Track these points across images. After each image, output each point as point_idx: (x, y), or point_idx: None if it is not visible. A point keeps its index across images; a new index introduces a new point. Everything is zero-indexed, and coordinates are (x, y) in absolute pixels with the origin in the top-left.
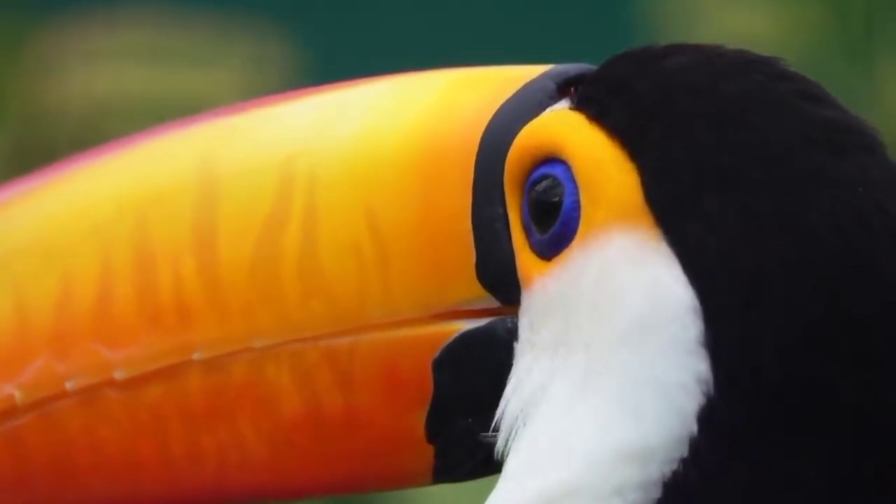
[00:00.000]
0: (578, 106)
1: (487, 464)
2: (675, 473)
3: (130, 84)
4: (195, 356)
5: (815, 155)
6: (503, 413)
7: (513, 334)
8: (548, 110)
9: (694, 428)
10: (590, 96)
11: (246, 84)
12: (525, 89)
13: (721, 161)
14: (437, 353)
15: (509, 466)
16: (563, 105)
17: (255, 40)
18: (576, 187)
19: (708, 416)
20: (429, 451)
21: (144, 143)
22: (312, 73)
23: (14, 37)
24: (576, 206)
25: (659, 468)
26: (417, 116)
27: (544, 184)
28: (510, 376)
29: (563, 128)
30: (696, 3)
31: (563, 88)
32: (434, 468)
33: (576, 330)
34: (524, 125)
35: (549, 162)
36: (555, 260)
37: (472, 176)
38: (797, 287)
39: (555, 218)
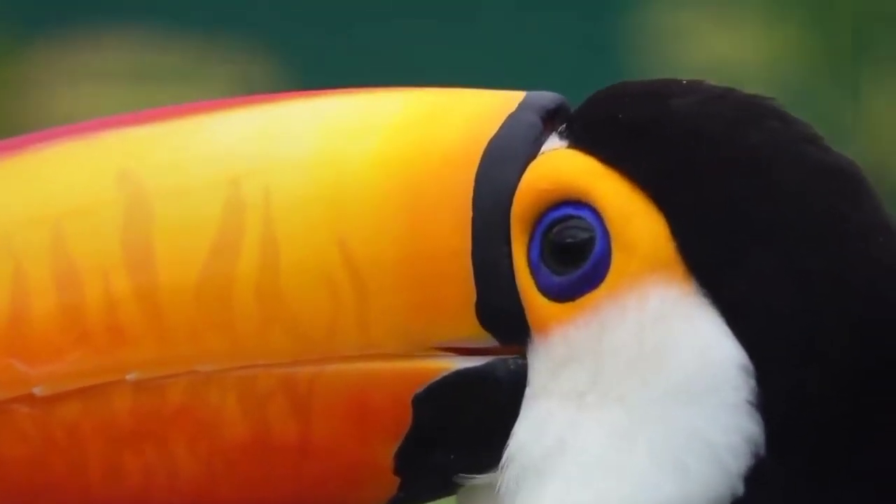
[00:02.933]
0: (582, 146)
1: (449, 491)
2: None
3: (115, 104)
4: (129, 377)
5: (840, 206)
6: (513, 455)
7: (516, 376)
8: (545, 148)
9: (740, 489)
10: (596, 138)
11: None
12: (511, 123)
13: (758, 215)
14: (420, 389)
15: None
16: (557, 142)
17: (238, 60)
18: (607, 233)
19: (756, 476)
20: (392, 481)
21: (51, 146)
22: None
23: None
24: (607, 252)
25: None
26: (385, 142)
27: (567, 224)
28: (521, 420)
29: (585, 174)
30: (681, 25)
31: (546, 120)
32: (394, 497)
33: (609, 382)
34: (522, 164)
35: (572, 204)
36: (572, 305)
37: (468, 214)
38: (848, 343)
39: (579, 260)
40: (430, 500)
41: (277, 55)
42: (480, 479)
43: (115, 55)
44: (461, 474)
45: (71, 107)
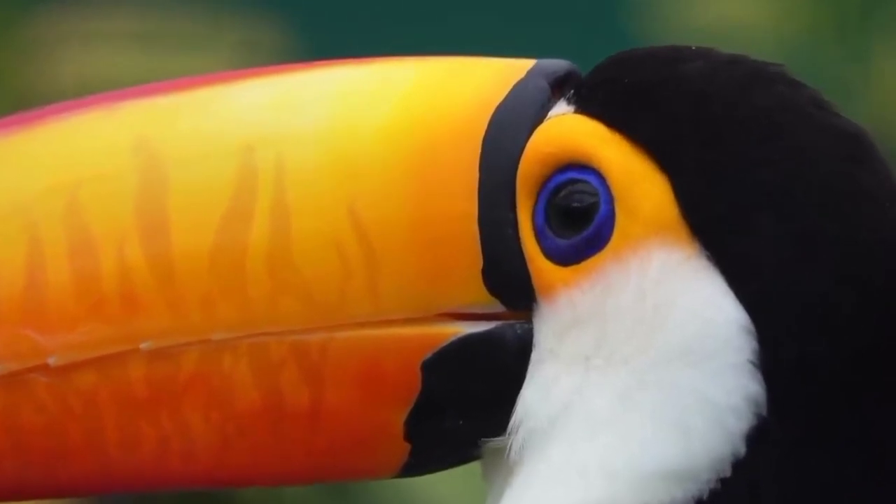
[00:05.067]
0: (589, 111)
1: (460, 459)
2: (714, 493)
3: (124, 68)
4: (143, 346)
5: (849, 169)
6: (521, 419)
7: (523, 340)
8: (552, 113)
9: (741, 449)
10: (602, 102)
11: (239, 68)
12: (520, 89)
13: (764, 178)
14: (428, 354)
15: (531, 474)
16: (565, 107)
17: (247, 25)
18: (611, 196)
19: (757, 436)
20: (403, 447)
21: (69, 117)
22: (304, 59)
23: (8, 20)
24: (611, 215)
25: (699, 488)
26: (395, 109)
27: (572, 188)
28: (528, 383)
29: (590, 137)
30: None
31: (555, 87)
32: (405, 464)
33: (614, 344)
34: (529, 128)
35: (577, 168)
36: (577, 268)
37: (475, 178)
38: (854, 305)
39: (583, 224)
40: (441, 468)
41: (286, 21)
42: (490, 443)
43: (125, 18)
44: (471, 440)
45: (79, 71)
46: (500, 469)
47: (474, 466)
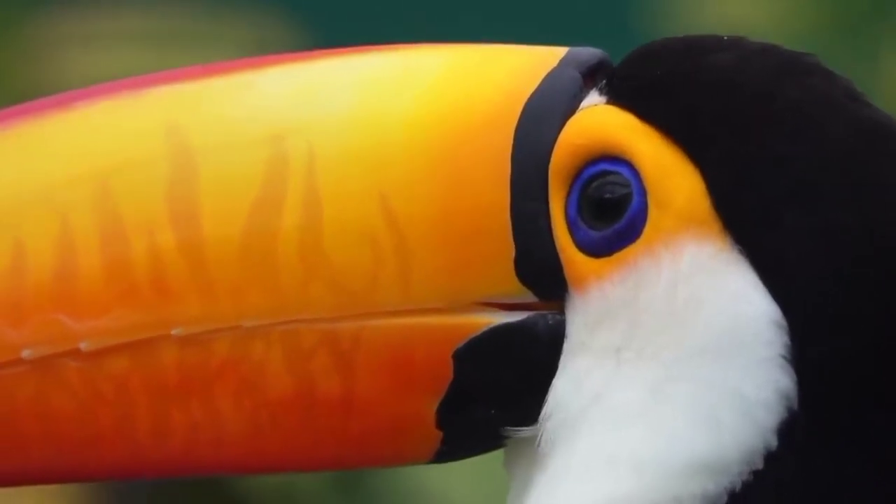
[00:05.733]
0: (621, 102)
1: (491, 446)
2: (745, 485)
3: (129, 67)
4: (174, 332)
5: (881, 163)
6: (551, 410)
7: (555, 331)
8: (584, 104)
9: (773, 442)
10: (634, 93)
11: None
12: (552, 78)
13: (796, 171)
14: (460, 344)
15: (560, 466)
16: (597, 98)
17: (253, 23)
18: (643, 189)
19: (788, 430)
20: (435, 435)
21: (96, 103)
22: None
23: (12, 20)
24: (643, 208)
25: (730, 480)
26: (424, 96)
27: (604, 180)
28: (559, 374)
29: (622, 129)
30: None
31: (587, 76)
32: (437, 451)
33: (645, 337)
34: (561, 119)
35: (609, 160)
36: (609, 260)
37: (507, 169)
38: (885, 301)
39: (616, 215)
40: (472, 455)
41: (292, 18)
42: (521, 433)
43: (130, 17)
44: (502, 428)
45: (82, 71)
46: (524, 459)
47: (484, 458)
